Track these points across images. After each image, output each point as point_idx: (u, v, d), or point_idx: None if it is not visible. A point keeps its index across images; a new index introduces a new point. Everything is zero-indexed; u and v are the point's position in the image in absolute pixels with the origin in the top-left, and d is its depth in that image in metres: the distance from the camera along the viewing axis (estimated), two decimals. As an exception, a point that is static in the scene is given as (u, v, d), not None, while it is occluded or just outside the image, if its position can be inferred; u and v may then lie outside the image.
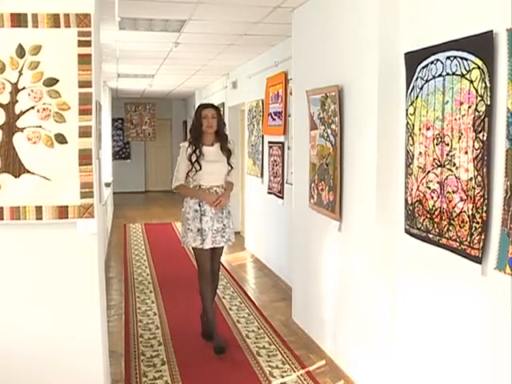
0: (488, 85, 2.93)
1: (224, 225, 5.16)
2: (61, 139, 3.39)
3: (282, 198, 7.35)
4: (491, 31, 2.90)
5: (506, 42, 2.79)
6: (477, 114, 3.01)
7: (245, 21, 6.15)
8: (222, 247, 5.31)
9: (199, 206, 5.10)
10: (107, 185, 9.22)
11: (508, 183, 2.80)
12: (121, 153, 18.72)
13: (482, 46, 2.97)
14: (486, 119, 2.95)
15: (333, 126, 4.54)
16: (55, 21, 3.34)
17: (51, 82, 3.36)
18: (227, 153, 5.21)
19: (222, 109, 11.67)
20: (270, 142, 7.94)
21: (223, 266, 8.40)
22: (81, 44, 3.38)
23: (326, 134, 4.71)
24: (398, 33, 3.86)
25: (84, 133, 3.41)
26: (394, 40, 3.86)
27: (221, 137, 5.20)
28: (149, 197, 18.19)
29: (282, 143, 7.33)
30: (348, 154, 4.38)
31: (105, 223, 8.54)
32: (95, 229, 3.51)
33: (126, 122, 18.32)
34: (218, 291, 6.93)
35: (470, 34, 3.05)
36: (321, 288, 5.02)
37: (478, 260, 3.04)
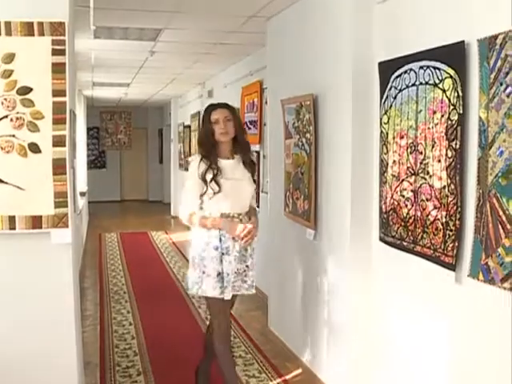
0: (460, 94, 2.97)
1: (247, 266, 3.86)
2: (34, 148, 3.36)
3: (258, 206, 7.31)
4: (463, 41, 2.94)
5: (477, 51, 2.84)
6: (449, 122, 3.05)
7: (220, 30, 6.17)
8: (236, 295, 4.00)
9: (220, 241, 3.79)
10: (82, 194, 9.16)
11: (480, 191, 2.83)
12: (96, 162, 18.60)
13: (454, 55, 3.01)
14: (459, 128, 2.99)
15: (307, 135, 4.56)
16: (29, 29, 3.31)
17: (25, 90, 3.33)
18: (251, 168, 3.96)
19: (197, 118, 11.67)
20: (246, 151, 7.91)
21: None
22: (55, 53, 3.35)
23: (300, 143, 4.73)
24: (371, 42, 3.90)
25: (58, 142, 3.38)
26: (368, 49, 3.90)
27: (241, 146, 3.93)
28: (124, 206, 18.09)
29: (258, 152, 7.32)
30: (323, 163, 4.40)
31: (80, 233, 8.48)
32: (69, 239, 3.48)
33: (102, 131, 18.25)
34: (193, 300, 6.94)
35: (442, 44, 3.09)
36: (297, 296, 5.02)
37: (452, 267, 3.07)
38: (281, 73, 5.41)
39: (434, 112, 3.18)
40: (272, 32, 5.60)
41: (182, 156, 13.93)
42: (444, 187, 3.11)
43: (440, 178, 3.14)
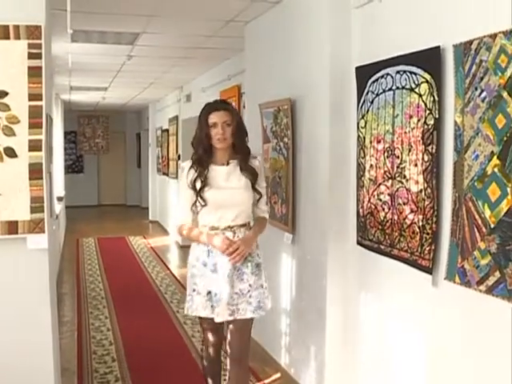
0: (436, 98, 3.00)
1: (250, 285, 3.46)
2: (10, 153, 3.32)
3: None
4: (439, 47, 2.97)
5: (453, 57, 2.87)
6: (426, 127, 3.08)
7: (198, 34, 6.16)
8: (250, 319, 3.54)
9: (208, 256, 3.47)
10: (59, 199, 9.08)
11: (456, 195, 2.86)
12: (74, 166, 18.47)
13: (430, 60, 3.04)
14: (435, 132, 3.01)
15: (285, 140, 4.57)
16: (4, 32, 3.27)
17: (0, 94, 3.30)
18: (250, 174, 3.53)
19: (175, 122, 11.65)
20: (224, 155, 7.91)
21: (177, 279, 8.35)
22: (31, 56, 3.32)
23: (278, 148, 4.74)
24: (349, 47, 3.92)
25: (34, 146, 3.35)
26: (345, 54, 3.92)
27: (240, 151, 3.55)
28: (102, 211, 17.97)
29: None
30: (300, 167, 4.41)
31: (57, 238, 8.40)
32: (46, 244, 3.45)
33: (79, 135, 18.14)
34: (171, 305, 6.91)
35: (418, 49, 3.12)
36: (275, 300, 5.02)
37: (429, 270, 3.09)
38: (259, 77, 5.41)
39: (411, 116, 3.20)
40: (250, 36, 5.61)
41: (160, 160, 13.89)
42: (421, 191, 3.13)
43: (417, 182, 3.17)
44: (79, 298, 7.39)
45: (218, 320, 3.44)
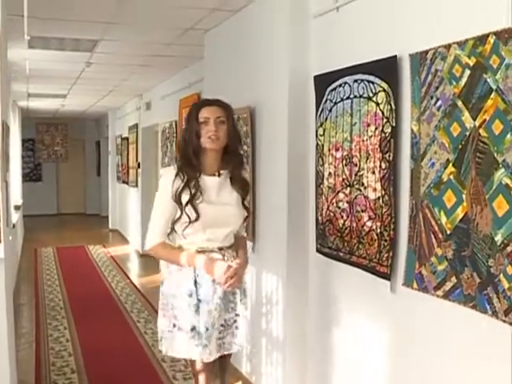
0: (393, 107, 3.04)
1: (237, 315, 3.07)
2: (-35, 161, 3.27)
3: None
4: (395, 56, 3.01)
5: (409, 66, 2.92)
6: (383, 135, 3.11)
7: (158, 42, 6.14)
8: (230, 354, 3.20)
9: (195, 284, 2.96)
10: (17, 208, 8.93)
11: (413, 202, 2.90)
12: (31, 174, 18.18)
13: (387, 70, 3.08)
14: (392, 140, 3.05)
15: (245, 148, 4.57)
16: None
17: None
18: (241, 188, 3.10)
19: (135, 130, 11.58)
20: (183, 163, 7.89)
21: (137, 288, 8.29)
22: (-14, 63, 3.28)
23: (238, 155, 4.74)
24: (307, 56, 3.95)
25: (-10, 155, 3.30)
26: (304, 63, 3.95)
27: (232, 158, 3.07)
28: (61, 219, 17.72)
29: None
30: (260, 175, 4.42)
31: (14, 248, 8.26)
32: (2, 254, 3.39)
33: (38, 143, 17.91)
34: (132, 315, 6.86)
35: (376, 58, 3.16)
36: (236, 308, 5.01)
37: (387, 277, 3.12)
38: (218, 85, 5.42)
39: (368, 125, 3.24)
40: (209, 45, 5.62)
41: (120, 169, 13.79)
42: (378, 198, 3.17)
43: (374, 190, 3.20)
44: (37, 308, 7.27)
45: (207, 360, 2.96)
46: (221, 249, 3.05)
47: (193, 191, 2.93)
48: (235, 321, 3.07)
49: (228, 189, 3.06)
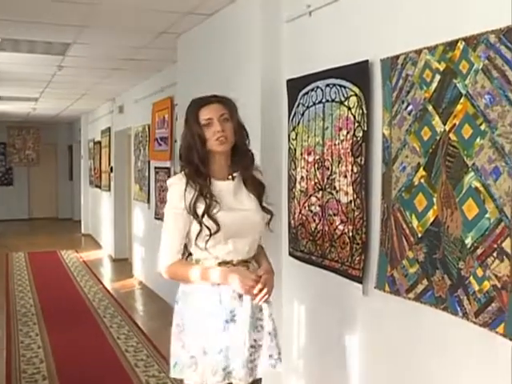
0: (365, 111, 3.07)
1: (269, 333, 2.66)
2: None
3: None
4: (367, 61, 3.04)
5: (381, 71, 2.94)
6: (355, 139, 3.14)
7: (130, 45, 6.12)
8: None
9: (220, 302, 2.60)
10: (-13, 212, 8.84)
11: (385, 205, 2.92)
12: (3, 179, 17.95)
13: (358, 74, 3.11)
14: (364, 144, 3.08)
15: (218, 151, 4.57)
16: None
17: None
18: (257, 190, 2.74)
19: (108, 134, 11.51)
20: (156, 168, 7.90)
21: (110, 293, 8.23)
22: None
23: (211, 159, 4.73)
24: (280, 60, 3.96)
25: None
26: (277, 67, 3.96)
27: (242, 158, 2.73)
28: (33, 224, 17.52)
29: (169, 168, 7.31)
30: (234, 179, 4.41)
31: (-16, 253, 8.16)
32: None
33: (9, 147, 17.68)
34: (105, 320, 6.80)
35: (348, 63, 3.19)
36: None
37: (359, 280, 3.14)
38: (191, 89, 5.40)
39: (340, 129, 3.26)
40: (183, 48, 5.61)
41: (93, 173, 13.69)
42: (350, 202, 3.19)
43: (346, 193, 3.22)
44: (8, 314, 7.17)
45: (237, 383, 2.58)
46: (246, 261, 2.68)
47: (207, 201, 2.58)
48: (267, 340, 2.64)
49: (244, 193, 2.71)
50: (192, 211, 2.58)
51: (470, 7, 2.45)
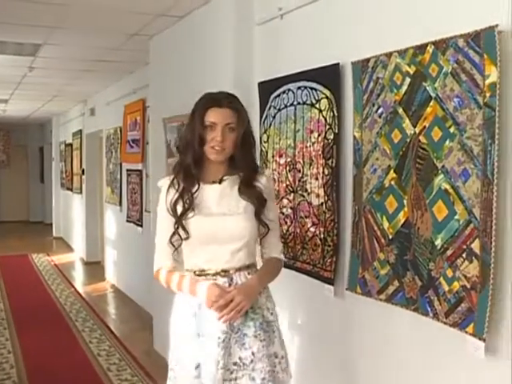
0: (336, 114, 3.08)
1: (253, 353, 2.44)
2: None
3: (141, 226, 7.26)
4: (338, 64, 3.05)
5: (351, 73, 2.96)
6: (326, 141, 3.15)
7: (102, 47, 6.08)
8: None
9: (195, 314, 2.49)
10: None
11: (356, 207, 2.94)
12: (-28, 181, 17.75)
13: (329, 77, 3.13)
14: (335, 146, 3.09)
15: (190, 154, 4.56)
16: None
17: None
18: (254, 197, 2.53)
19: (79, 136, 11.42)
20: (128, 170, 7.86)
21: (82, 297, 8.16)
22: None
23: (183, 162, 4.72)
24: (252, 62, 3.97)
25: None
26: (249, 69, 3.96)
27: (242, 166, 2.56)
28: (3, 227, 17.25)
29: (141, 171, 7.27)
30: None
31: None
32: None
33: (-22, 149, 17.46)
34: (77, 324, 6.74)
35: (319, 65, 3.20)
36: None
37: (331, 281, 3.16)
38: (163, 91, 5.39)
39: (311, 131, 3.27)
40: (154, 50, 5.59)
41: (64, 175, 13.57)
42: (321, 204, 3.20)
43: (318, 196, 3.23)
44: (-22, 319, 7.09)
45: None
46: (226, 271, 2.49)
47: (186, 203, 2.48)
48: (252, 360, 2.43)
49: (234, 197, 2.52)
50: (173, 212, 2.50)
51: (440, 11, 2.48)
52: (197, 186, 2.51)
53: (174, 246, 2.54)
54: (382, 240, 2.79)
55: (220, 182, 2.54)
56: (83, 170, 11.13)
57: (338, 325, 3.20)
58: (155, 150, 5.68)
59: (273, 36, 3.79)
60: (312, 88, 3.26)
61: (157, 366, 5.33)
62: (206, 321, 2.44)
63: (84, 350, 5.85)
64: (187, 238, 2.49)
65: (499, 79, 2.15)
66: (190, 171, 2.51)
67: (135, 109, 7.43)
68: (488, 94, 2.19)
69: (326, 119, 3.15)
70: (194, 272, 2.53)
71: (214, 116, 2.47)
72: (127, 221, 7.89)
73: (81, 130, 11.31)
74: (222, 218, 2.49)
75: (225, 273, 2.50)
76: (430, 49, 2.46)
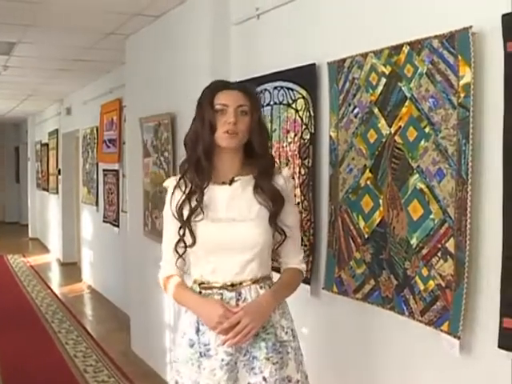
0: (312, 114, 3.09)
1: (264, 378, 2.15)
2: None
3: (118, 226, 7.23)
4: (314, 64, 3.06)
5: (328, 74, 2.97)
6: (302, 141, 3.16)
7: (78, 46, 6.03)
8: None
9: (197, 331, 2.23)
10: None
11: (332, 207, 2.95)
12: None
13: (305, 77, 3.13)
14: (311, 146, 3.10)
15: (166, 154, 4.55)
16: None
17: None
18: (271, 200, 2.24)
19: (55, 136, 11.34)
20: (104, 170, 7.81)
21: (58, 298, 8.11)
22: None
23: (159, 162, 4.71)
24: (228, 63, 3.96)
25: None
26: (225, 69, 3.95)
27: (258, 161, 2.27)
28: (-22, 228, 17.14)
29: (117, 171, 7.24)
30: (182, 181, 4.40)
31: None
32: None
33: (-47, 149, 17.25)
34: (53, 325, 6.69)
35: (295, 65, 3.20)
36: (158, 315, 4.97)
37: (307, 281, 3.15)
38: (140, 91, 5.37)
39: (288, 131, 3.28)
40: (131, 50, 5.56)
41: (40, 175, 13.45)
42: (298, 204, 3.20)
43: (294, 195, 3.24)
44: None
45: None
46: (234, 285, 2.21)
47: (193, 204, 2.21)
48: None
49: (246, 201, 2.24)
50: (179, 216, 2.23)
51: (415, 12, 2.50)
52: (207, 186, 2.23)
53: (178, 253, 2.29)
54: (358, 239, 2.80)
55: (230, 183, 2.25)
56: (59, 170, 11.05)
57: (315, 324, 3.21)
58: (132, 150, 5.65)
59: (249, 36, 3.79)
60: (288, 88, 3.26)
61: (133, 367, 5.32)
62: (209, 338, 2.18)
63: (60, 351, 5.81)
64: (192, 245, 2.22)
65: (473, 80, 2.16)
66: (200, 165, 2.22)
67: (112, 108, 7.39)
68: (462, 95, 2.20)
69: (302, 119, 3.16)
70: (200, 284, 2.26)
71: (224, 97, 2.21)
72: (104, 221, 7.85)
73: (57, 130, 11.22)
74: (232, 224, 2.21)
75: (233, 286, 2.21)
76: (406, 49, 2.47)
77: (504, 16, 2.01)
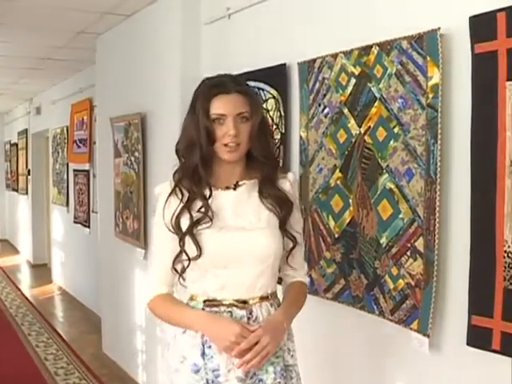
0: (283, 114, 3.10)
1: None
2: None
3: (89, 227, 7.17)
4: (284, 64, 3.07)
5: (298, 74, 2.98)
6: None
7: (48, 45, 5.96)
8: None
9: (203, 354, 1.94)
10: None
11: (302, 207, 2.95)
12: None
13: (276, 77, 3.14)
14: (282, 146, 3.11)
15: (136, 154, 4.53)
16: None
17: None
18: (278, 205, 2.02)
19: (25, 136, 11.21)
20: (75, 170, 7.75)
21: (28, 300, 8.02)
22: None
23: (129, 162, 4.68)
24: (199, 62, 3.95)
25: None
26: (196, 69, 3.93)
27: (262, 164, 2.04)
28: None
29: (88, 171, 7.18)
30: (151, 182, 4.37)
31: None
32: None
33: None
34: (23, 328, 6.61)
35: (266, 65, 3.21)
36: (130, 317, 4.94)
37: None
38: (110, 91, 5.33)
39: (259, 131, 3.28)
40: (101, 49, 5.52)
41: (9, 176, 13.28)
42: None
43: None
44: None
45: None
46: (245, 302, 1.97)
47: (194, 214, 1.96)
48: None
49: (253, 207, 2.02)
50: (176, 227, 1.98)
51: (385, 13, 2.52)
52: (209, 192, 1.99)
53: (176, 271, 2.03)
54: (328, 239, 2.81)
55: (235, 187, 2.03)
56: (29, 171, 10.92)
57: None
58: (102, 150, 5.61)
59: (220, 36, 3.78)
60: (259, 88, 3.26)
61: (105, 369, 5.28)
62: (220, 364, 1.92)
63: (30, 354, 5.74)
64: (196, 258, 1.95)
65: (441, 81, 2.19)
66: (197, 173, 1.97)
67: (82, 108, 7.33)
68: (431, 95, 2.22)
69: (272, 119, 3.16)
70: (204, 301, 1.99)
71: (221, 106, 1.94)
72: (74, 222, 7.78)
73: (26, 130, 11.09)
74: (241, 233, 1.96)
75: (243, 304, 1.97)
76: (375, 50, 2.49)
77: (471, 18, 2.03)
